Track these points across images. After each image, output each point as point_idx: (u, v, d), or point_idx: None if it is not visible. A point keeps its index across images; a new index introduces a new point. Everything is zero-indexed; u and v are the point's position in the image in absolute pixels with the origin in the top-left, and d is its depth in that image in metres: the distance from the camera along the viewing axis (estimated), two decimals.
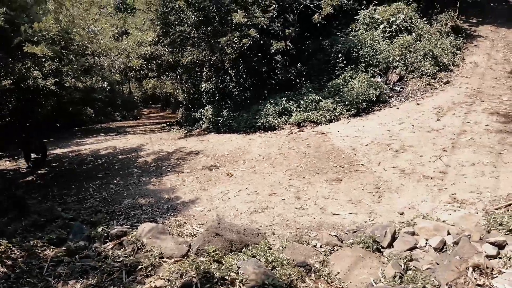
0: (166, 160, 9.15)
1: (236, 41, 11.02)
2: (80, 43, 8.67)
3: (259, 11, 10.83)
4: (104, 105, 24.28)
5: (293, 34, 10.77)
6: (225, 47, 12.13)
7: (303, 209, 5.93)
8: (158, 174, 8.13)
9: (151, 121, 22.26)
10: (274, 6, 11.10)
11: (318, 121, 9.95)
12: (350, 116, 9.92)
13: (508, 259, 3.54)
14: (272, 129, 10.39)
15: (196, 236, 4.85)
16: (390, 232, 4.28)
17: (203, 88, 13.73)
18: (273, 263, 3.80)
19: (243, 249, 4.09)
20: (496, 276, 3.28)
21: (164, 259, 4.01)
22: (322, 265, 3.87)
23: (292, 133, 9.75)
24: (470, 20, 14.54)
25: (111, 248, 4.35)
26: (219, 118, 12.31)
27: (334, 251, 4.18)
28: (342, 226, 5.29)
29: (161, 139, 12.35)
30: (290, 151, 8.51)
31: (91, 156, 10.58)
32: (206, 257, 3.87)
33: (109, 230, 4.79)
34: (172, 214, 5.97)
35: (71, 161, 10.22)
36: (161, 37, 12.49)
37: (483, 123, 8.04)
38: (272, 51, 10.86)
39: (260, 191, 6.69)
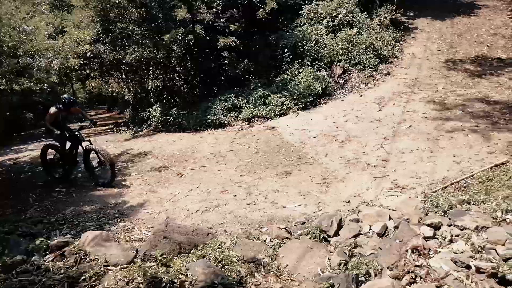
0: None
1: (181, 38, 10.79)
2: (11, 44, 8.05)
3: (204, 6, 10.68)
4: (45, 108, 22.89)
5: (239, 30, 10.74)
6: (172, 44, 11.85)
7: (254, 204, 5.96)
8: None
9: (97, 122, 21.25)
10: (218, 1, 11.00)
11: (268, 116, 10.03)
12: (298, 110, 10.10)
13: (443, 239, 3.77)
14: (222, 126, 10.33)
15: (145, 241, 4.70)
16: (336, 221, 4.41)
17: (150, 86, 13.36)
18: (223, 262, 3.78)
19: (192, 250, 4.02)
20: (433, 256, 3.48)
21: (110, 267, 3.84)
22: (271, 259, 3.90)
23: (242, 129, 9.75)
24: (408, 13, 15.31)
25: (52, 261, 4.10)
26: (168, 117, 12.03)
27: (284, 244, 4.23)
28: (293, 218, 5.38)
29: (106, 141, 11.83)
30: (241, 147, 8.51)
31: (31, 163, 9.91)
32: (153, 262, 3.76)
33: (49, 241, 4.51)
34: (120, 219, 5.73)
35: (8, 170, 9.52)
36: (102, 35, 11.95)
37: (421, 111, 8.52)
38: (219, 47, 10.76)
39: (211, 190, 6.63)
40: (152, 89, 13.51)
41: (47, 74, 9.69)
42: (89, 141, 7.32)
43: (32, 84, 14.63)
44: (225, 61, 11.62)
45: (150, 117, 12.93)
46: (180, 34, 10.64)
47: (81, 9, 11.84)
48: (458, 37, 13.48)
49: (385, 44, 12.38)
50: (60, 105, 7.15)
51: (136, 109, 14.77)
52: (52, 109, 7.17)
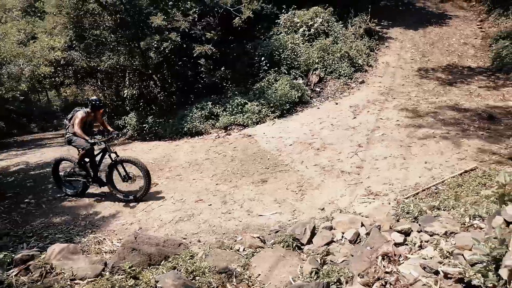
0: None
1: (156, 45, 10.72)
2: None
3: (180, 14, 10.65)
4: (18, 117, 22.25)
5: (215, 38, 10.75)
6: (148, 51, 11.74)
7: (229, 213, 5.91)
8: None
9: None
10: (194, 9, 10.99)
11: (245, 124, 10.02)
12: (275, 118, 10.13)
13: (413, 245, 3.81)
14: (199, 134, 10.25)
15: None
16: (309, 228, 4.41)
17: (126, 94, 13.16)
18: (194, 273, 3.70)
19: (163, 262, 3.93)
20: (403, 262, 3.51)
21: (77, 281, 3.72)
22: (244, 269, 3.85)
23: (219, 137, 9.70)
24: (382, 23, 15.69)
25: (16, 275, 3.94)
26: (144, 125, 11.87)
27: (257, 253, 4.19)
28: (267, 227, 5.36)
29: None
30: (217, 156, 8.45)
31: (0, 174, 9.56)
32: (122, 275, 3.65)
33: (13, 255, 4.33)
34: (90, 231, 5.58)
35: None
36: (75, 42, 11.72)
37: (394, 118, 8.69)
38: (195, 55, 10.72)
39: (186, 199, 6.54)
40: (128, 96, 13.32)
41: (17, 82, 9.39)
42: (115, 152, 6.51)
43: (3, 92, 14.22)
44: (202, 69, 11.58)
45: (126, 125, 12.72)
46: (155, 42, 10.56)
47: (54, 15, 11.59)
48: (430, 46, 13.90)
49: (360, 53, 12.62)
50: (88, 109, 6.40)
51: (111, 117, 14.50)
52: (80, 113, 6.28)
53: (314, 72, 11.66)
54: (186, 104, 11.89)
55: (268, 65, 11.69)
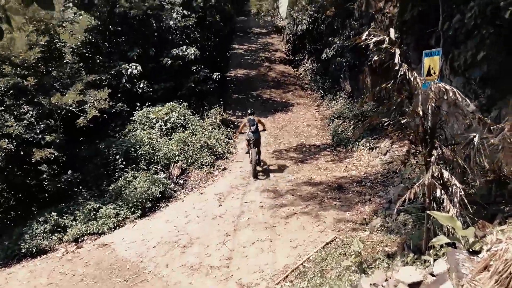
0: None
1: None
2: None
3: (12, 119, 9.40)
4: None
5: (57, 141, 9.68)
6: None
7: None
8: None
9: None
10: (31, 113, 9.89)
11: (100, 232, 8.74)
12: (136, 219, 9.16)
13: None
14: (42, 253, 8.44)
15: None
16: None
17: None
18: None
19: None
20: None
21: None
22: None
23: (67, 252, 8.16)
24: (236, 113, 16.78)
25: None
26: None
27: None
28: None
29: None
30: (64, 277, 6.97)
31: None
32: None
33: None
34: None
35: None
36: None
37: (257, 200, 8.72)
38: (34, 161, 9.38)
39: None
40: None
41: None
42: None
43: None
44: (44, 176, 10.09)
45: None
46: None
47: None
48: (280, 130, 15.19)
49: (219, 141, 12.96)
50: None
51: None
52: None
53: (176, 164, 11.34)
54: (28, 219, 9.97)
55: (124, 163, 10.90)
